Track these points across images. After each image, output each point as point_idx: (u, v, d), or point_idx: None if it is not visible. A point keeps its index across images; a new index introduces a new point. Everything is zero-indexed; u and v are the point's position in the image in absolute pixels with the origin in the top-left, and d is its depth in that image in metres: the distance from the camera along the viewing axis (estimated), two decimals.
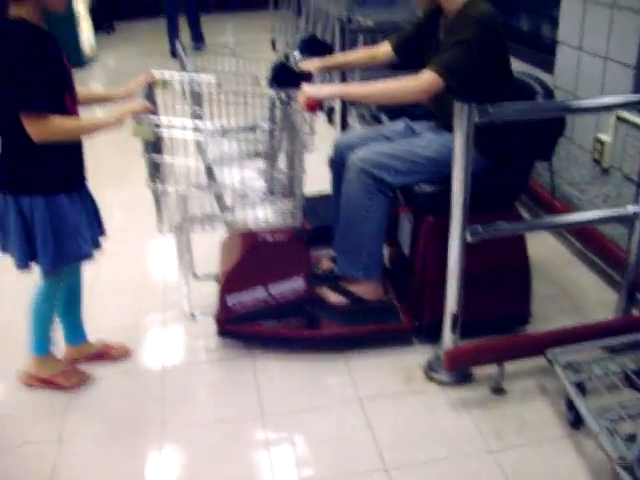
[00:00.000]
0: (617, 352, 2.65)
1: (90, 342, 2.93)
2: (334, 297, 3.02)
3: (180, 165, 2.70)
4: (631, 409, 2.29)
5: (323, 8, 6.01)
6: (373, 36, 5.77)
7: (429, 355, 2.81)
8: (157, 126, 2.49)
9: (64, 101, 2.39)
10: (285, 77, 2.82)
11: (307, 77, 2.86)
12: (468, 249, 2.52)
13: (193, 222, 2.89)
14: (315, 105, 2.63)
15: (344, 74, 4.07)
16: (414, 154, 2.81)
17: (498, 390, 2.65)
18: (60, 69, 2.37)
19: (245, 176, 2.87)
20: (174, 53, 8.20)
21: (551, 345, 2.57)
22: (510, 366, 2.67)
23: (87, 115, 2.53)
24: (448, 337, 2.62)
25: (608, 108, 2.59)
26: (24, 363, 2.79)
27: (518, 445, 2.42)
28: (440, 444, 2.44)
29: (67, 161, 2.48)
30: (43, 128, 2.29)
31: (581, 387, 2.44)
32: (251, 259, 2.85)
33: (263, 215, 2.81)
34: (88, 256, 2.58)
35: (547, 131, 2.81)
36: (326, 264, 3.25)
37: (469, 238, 2.44)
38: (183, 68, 3.31)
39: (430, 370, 2.75)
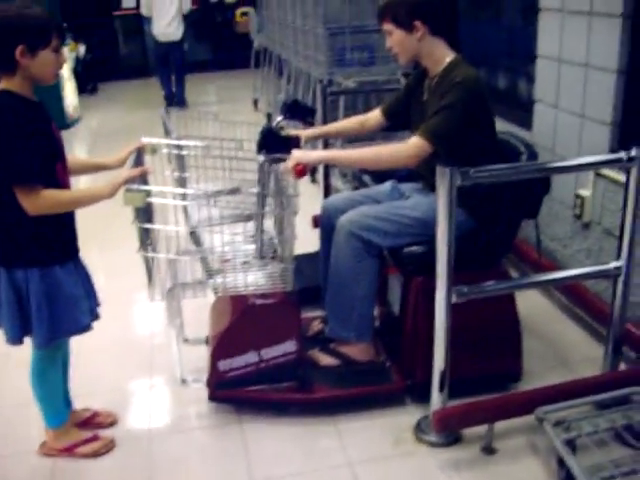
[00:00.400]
0: (606, 408, 2.65)
1: (76, 409, 2.88)
2: (325, 359, 3.01)
3: (169, 231, 2.73)
4: (623, 467, 2.29)
5: (304, 69, 6.11)
6: (354, 97, 5.90)
7: (418, 416, 2.80)
8: (147, 193, 2.50)
9: (55, 172, 2.40)
10: (273, 142, 2.86)
11: (295, 142, 2.91)
12: (458, 308, 2.53)
13: (184, 288, 2.90)
14: (303, 171, 2.66)
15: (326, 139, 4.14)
16: (402, 216, 2.84)
17: (488, 450, 2.64)
18: (51, 140, 2.39)
19: (233, 240, 2.90)
20: (169, 100, 9.45)
21: (540, 403, 2.56)
22: (500, 424, 2.66)
23: (80, 183, 2.54)
24: (436, 398, 2.62)
25: (587, 166, 2.63)
26: (43, 434, 2.75)
27: None
28: None
29: (61, 232, 2.47)
30: (37, 201, 2.29)
31: (571, 445, 2.44)
32: (242, 323, 2.84)
33: (253, 279, 2.81)
34: (86, 328, 2.54)
35: (533, 190, 2.85)
36: (316, 326, 3.24)
37: (455, 299, 2.46)
38: (167, 133, 3.35)
39: (420, 431, 2.74)
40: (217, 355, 2.84)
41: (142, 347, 3.55)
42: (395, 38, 2.83)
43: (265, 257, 2.88)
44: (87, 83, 10.92)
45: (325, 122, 3.93)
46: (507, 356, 2.98)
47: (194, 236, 3.39)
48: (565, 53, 3.49)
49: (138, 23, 12.23)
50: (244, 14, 11.06)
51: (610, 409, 2.62)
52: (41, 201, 2.29)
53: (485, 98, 2.77)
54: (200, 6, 12.79)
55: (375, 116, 3.21)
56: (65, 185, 2.46)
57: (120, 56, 12.77)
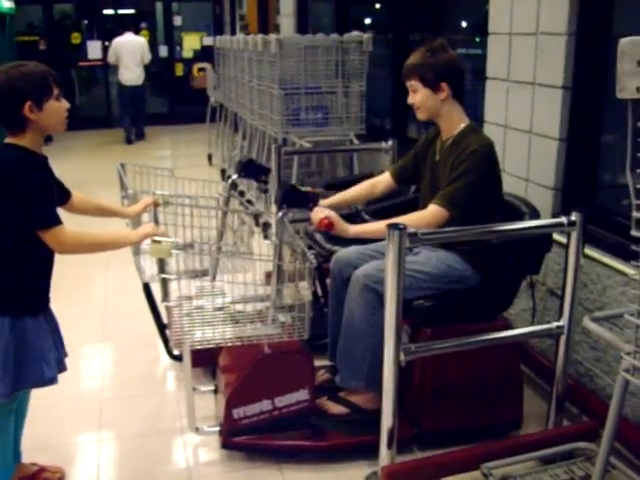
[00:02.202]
0: (549, 463, 2.72)
1: (23, 463, 2.81)
2: (335, 408, 3.07)
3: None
4: None
5: (259, 127, 6.21)
6: (308, 156, 6.02)
7: (367, 471, 2.82)
8: (174, 245, 2.63)
9: None
10: (294, 198, 3.02)
11: (314, 198, 3.03)
12: (459, 356, 2.73)
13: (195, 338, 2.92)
14: (330, 225, 2.84)
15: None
16: (414, 270, 2.90)
17: None
18: (54, 192, 2.45)
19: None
20: (130, 140, 11.23)
21: (486, 459, 2.62)
22: None
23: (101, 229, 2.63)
24: (385, 454, 2.65)
25: (530, 230, 2.74)
26: None
27: None
28: None
29: (37, 284, 2.49)
30: (66, 242, 2.36)
31: None
32: (258, 372, 2.89)
33: (268, 328, 2.91)
34: (51, 381, 2.52)
35: (536, 248, 2.98)
36: (321, 376, 3.29)
37: (402, 357, 2.52)
38: (123, 188, 3.40)
39: None
40: (232, 403, 2.88)
41: (92, 402, 3.51)
42: (419, 96, 2.99)
43: (278, 307, 2.99)
44: None
45: (279, 181, 4.01)
46: (509, 404, 3.07)
47: (146, 289, 3.43)
48: (510, 120, 3.65)
49: (96, 74, 12.39)
50: (201, 70, 11.22)
51: (554, 464, 2.69)
52: (70, 239, 2.37)
53: (497, 165, 2.94)
54: (159, 60, 13.08)
55: (385, 180, 3.35)
56: None
57: (76, 106, 12.77)
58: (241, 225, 3.26)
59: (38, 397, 2.74)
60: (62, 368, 2.60)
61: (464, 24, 5.65)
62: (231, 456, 2.98)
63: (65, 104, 2.48)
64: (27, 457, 2.85)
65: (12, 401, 2.55)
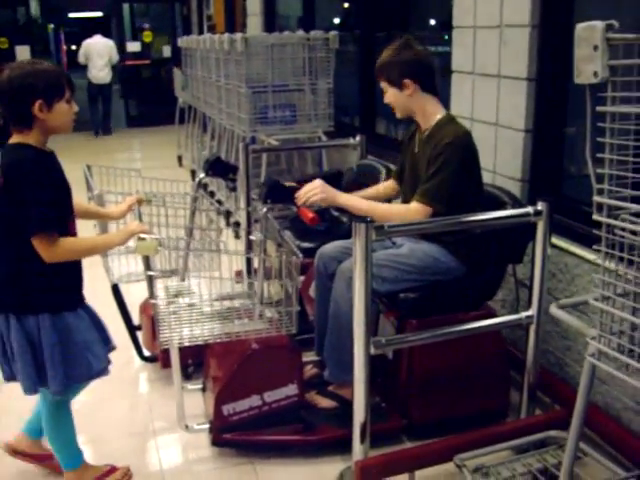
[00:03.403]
0: (523, 452, 2.73)
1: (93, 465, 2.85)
2: (323, 402, 3.09)
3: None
4: None
5: (227, 126, 6.19)
6: (277, 154, 6.00)
7: (341, 467, 2.82)
8: (159, 242, 2.64)
9: (68, 221, 2.47)
10: (278, 193, 3.03)
11: (297, 190, 3.04)
12: (444, 347, 2.78)
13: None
14: (315, 219, 2.86)
15: None
16: (399, 263, 2.94)
17: None
18: (65, 191, 2.46)
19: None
20: (97, 132, 12.18)
21: (459, 451, 2.62)
22: (421, 473, 2.70)
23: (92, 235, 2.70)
24: (358, 448, 2.64)
25: (497, 221, 2.74)
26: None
27: None
28: None
29: (70, 278, 2.51)
30: (55, 249, 2.34)
31: None
32: (246, 367, 2.89)
33: (255, 324, 2.91)
34: (101, 372, 2.57)
35: (519, 236, 2.98)
36: (309, 371, 3.30)
37: (373, 350, 2.52)
38: (89, 189, 3.37)
39: None
40: (221, 399, 2.88)
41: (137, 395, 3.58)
42: (389, 95, 3.03)
43: (264, 303, 3.02)
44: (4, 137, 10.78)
45: (248, 179, 4.00)
46: (496, 393, 3.10)
47: (115, 290, 3.40)
48: (476, 113, 3.66)
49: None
50: (168, 72, 11.20)
51: (527, 453, 2.70)
52: (59, 249, 2.34)
53: (476, 155, 2.95)
54: (126, 62, 13.14)
55: (389, 185, 3.38)
56: (73, 234, 2.53)
57: None
58: (209, 224, 3.24)
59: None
60: (109, 361, 2.63)
61: (432, 22, 5.67)
62: (222, 452, 3.00)
63: (74, 107, 2.48)
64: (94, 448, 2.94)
65: (69, 395, 2.62)
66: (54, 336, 2.41)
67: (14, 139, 2.39)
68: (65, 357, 2.43)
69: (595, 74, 1.47)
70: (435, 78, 3.04)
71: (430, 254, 2.97)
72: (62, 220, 2.42)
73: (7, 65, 2.36)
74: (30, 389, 2.45)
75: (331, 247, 3.24)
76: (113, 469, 2.82)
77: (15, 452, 2.82)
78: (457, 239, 2.94)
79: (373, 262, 2.92)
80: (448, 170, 2.83)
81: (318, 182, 2.95)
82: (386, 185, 3.41)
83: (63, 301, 2.46)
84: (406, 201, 3.05)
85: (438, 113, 3.01)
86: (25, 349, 2.39)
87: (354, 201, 2.96)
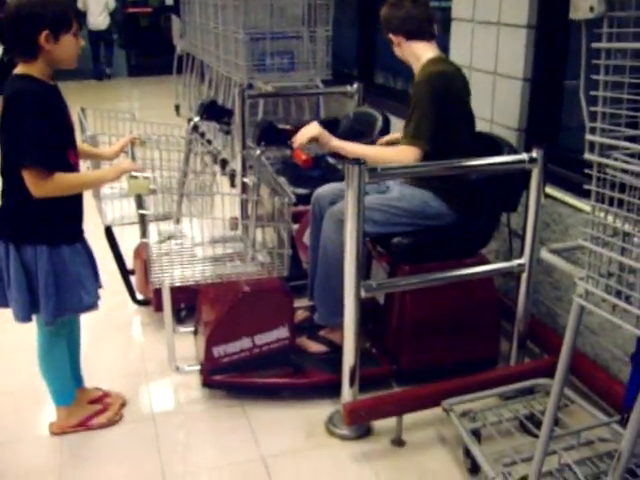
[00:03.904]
0: (510, 399, 2.76)
1: (87, 388, 2.93)
2: (314, 347, 3.12)
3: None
4: (524, 453, 2.37)
5: (225, 74, 6.13)
6: (274, 101, 5.95)
7: (330, 410, 2.85)
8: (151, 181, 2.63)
9: (67, 155, 2.46)
10: (272, 135, 3.03)
11: (292, 134, 3.02)
12: (436, 294, 2.83)
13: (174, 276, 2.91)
14: (308, 161, 2.90)
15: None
16: (390, 206, 2.96)
17: (398, 442, 2.71)
18: (64, 124, 2.45)
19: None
20: (100, 77, 12.68)
21: (448, 396, 2.65)
22: (409, 417, 2.73)
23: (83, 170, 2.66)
24: (347, 391, 2.67)
25: (491, 166, 2.73)
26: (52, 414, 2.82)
27: None
28: None
29: (70, 212, 2.53)
30: (44, 185, 2.34)
31: (477, 434, 2.53)
32: (237, 310, 2.91)
33: (247, 266, 2.91)
34: (91, 307, 2.61)
35: (513, 184, 2.96)
36: (300, 315, 3.32)
37: (363, 294, 2.52)
38: (83, 131, 3.34)
39: (331, 425, 2.78)
40: (212, 341, 2.89)
41: (128, 338, 3.62)
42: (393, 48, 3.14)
43: (256, 246, 3.00)
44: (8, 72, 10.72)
45: (244, 125, 3.96)
46: (486, 340, 3.11)
47: (108, 233, 3.40)
48: (475, 61, 3.62)
49: None
50: (167, 20, 11.04)
51: (513, 400, 2.73)
52: (48, 184, 2.35)
53: (453, 93, 2.92)
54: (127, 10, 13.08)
55: None
56: (76, 168, 2.54)
57: None
58: (204, 167, 3.22)
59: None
60: (98, 297, 2.66)
61: None
62: (212, 394, 3.03)
63: (81, 41, 2.46)
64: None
65: (60, 328, 2.63)
66: (50, 267, 2.44)
67: (18, 69, 2.38)
68: (58, 288, 2.47)
69: (591, 9, 1.44)
70: (425, 23, 3.03)
71: (420, 198, 2.98)
72: (60, 152, 2.42)
73: None
74: (22, 316, 2.50)
75: (326, 189, 3.24)
76: (105, 407, 2.87)
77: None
78: (449, 186, 2.95)
79: (365, 205, 2.95)
80: (419, 109, 2.86)
81: (314, 123, 2.96)
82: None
83: (61, 234, 2.49)
84: None
85: (426, 56, 3.02)
86: (21, 277, 2.43)
87: (347, 144, 2.95)
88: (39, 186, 2.34)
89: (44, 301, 2.47)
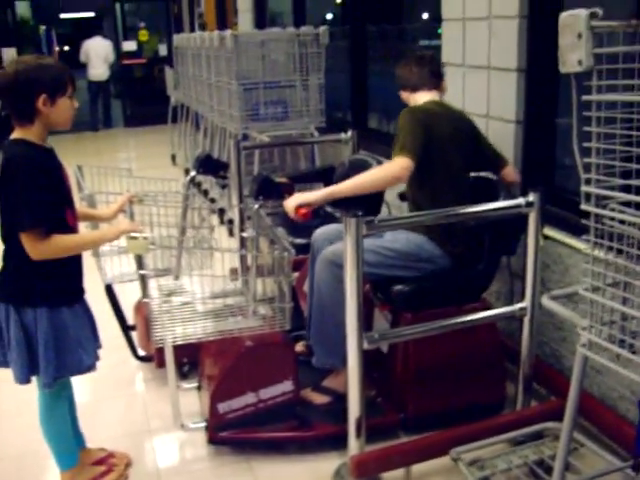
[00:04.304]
0: (519, 444, 2.73)
1: (90, 448, 2.90)
2: (319, 398, 3.09)
3: None
4: None
5: (220, 124, 6.18)
6: (270, 151, 5.98)
7: (337, 463, 2.81)
8: (150, 241, 2.64)
9: (65, 217, 2.47)
10: (269, 189, 3.06)
11: (289, 187, 3.03)
12: (439, 340, 2.80)
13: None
14: (307, 214, 2.86)
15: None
16: (383, 247, 2.97)
17: None
18: (61, 186, 2.46)
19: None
20: (97, 128, 12.89)
21: (455, 444, 2.61)
22: (418, 467, 2.70)
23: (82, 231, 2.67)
24: (353, 443, 2.64)
25: (488, 213, 2.73)
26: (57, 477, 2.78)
27: None
28: None
29: (70, 271, 2.53)
30: (42, 248, 2.36)
31: None
32: (241, 365, 2.90)
33: (248, 321, 2.91)
34: (90, 368, 2.59)
35: (512, 228, 2.97)
36: (299, 347, 3.31)
37: (366, 345, 2.51)
38: (80, 190, 3.35)
39: (339, 478, 2.75)
40: (216, 397, 2.88)
41: (132, 396, 3.59)
42: None
43: (257, 300, 3.01)
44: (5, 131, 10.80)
45: (240, 176, 3.98)
46: (492, 385, 3.10)
47: (109, 291, 3.39)
48: (467, 104, 3.64)
49: None
50: (161, 71, 11.18)
51: (523, 445, 2.70)
52: (46, 246, 2.36)
53: (432, 128, 2.94)
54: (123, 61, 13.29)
55: None
56: (75, 229, 2.55)
57: None
58: (201, 222, 3.23)
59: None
60: (97, 358, 2.65)
61: (425, 15, 5.64)
62: (218, 451, 3.00)
63: (75, 103, 2.49)
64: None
65: (60, 389, 2.63)
66: (50, 329, 2.44)
67: (15, 134, 2.41)
68: (58, 350, 2.46)
69: (580, 62, 1.46)
70: (427, 78, 3.16)
71: (413, 241, 3.00)
72: (58, 214, 2.43)
73: (13, 60, 2.40)
74: (21, 378, 2.49)
75: (325, 230, 3.27)
76: (110, 469, 2.83)
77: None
78: (442, 230, 2.97)
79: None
80: (404, 131, 2.91)
81: (293, 196, 2.95)
82: None
83: (61, 297, 2.49)
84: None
85: (422, 100, 3.14)
86: (21, 340, 2.43)
87: (335, 187, 2.94)
88: (37, 249, 2.35)
89: (44, 363, 2.46)
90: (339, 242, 3.00)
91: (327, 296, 2.96)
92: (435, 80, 3.19)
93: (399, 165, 2.84)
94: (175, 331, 2.80)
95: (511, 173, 3.20)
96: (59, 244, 2.40)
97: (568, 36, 1.47)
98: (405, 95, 3.24)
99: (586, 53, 1.44)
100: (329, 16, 7.73)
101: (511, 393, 3.05)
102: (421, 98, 3.16)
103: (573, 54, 1.47)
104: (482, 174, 3.10)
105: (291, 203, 2.89)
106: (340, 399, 2.95)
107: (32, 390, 2.62)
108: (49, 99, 2.35)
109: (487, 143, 3.22)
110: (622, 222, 1.52)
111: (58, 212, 2.44)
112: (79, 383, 2.94)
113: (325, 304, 2.98)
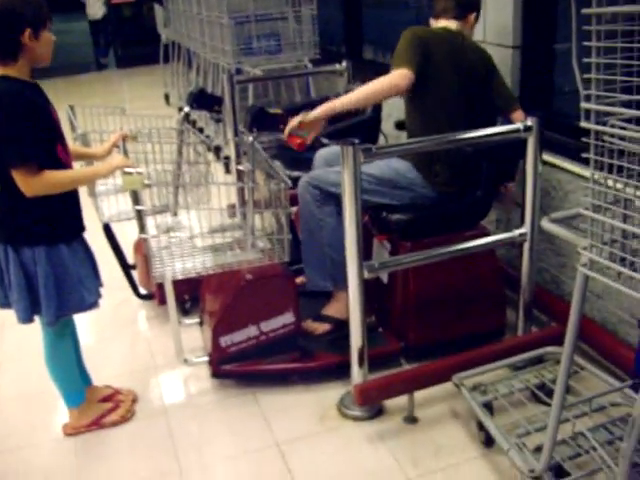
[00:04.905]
0: (520, 369, 2.76)
1: (97, 386, 2.94)
2: (320, 327, 3.11)
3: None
4: (537, 423, 2.38)
5: (212, 60, 6.08)
6: (264, 84, 5.90)
7: (342, 392, 2.85)
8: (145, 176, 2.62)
9: (56, 152, 2.44)
10: (263, 120, 3.04)
11: (283, 119, 3.00)
12: (439, 269, 2.83)
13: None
14: (303, 144, 2.90)
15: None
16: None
17: (411, 419, 2.71)
18: (49, 121, 2.42)
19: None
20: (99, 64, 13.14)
21: (457, 370, 2.64)
22: (420, 394, 2.73)
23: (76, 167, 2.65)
24: (356, 372, 2.67)
25: (486, 137, 2.69)
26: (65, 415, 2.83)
27: (436, 470, 2.48)
28: (361, 478, 2.47)
29: (66, 210, 2.52)
30: (34, 184, 2.34)
31: (489, 407, 2.53)
32: (241, 298, 2.90)
33: (247, 255, 2.90)
34: (93, 305, 2.61)
35: (511, 154, 2.95)
36: (300, 280, 3.30)
37: (366, 275, 2.51)
38: (73, 130, 3.32)
39: (343, 407, 2.79)
40: (218, 331, 2.89)
41: (135, 332, 3.62)
42: None
43: (255, 233, 2.98)
44: None
45: (234, 111, 3.93)
46: (492, 312, 3.12)
47: (107, 230, 3.38)
48: None
49: None
50: (150, 9, 10.95)
51: (523, 370, 2.73)
52: (38, 182, 2.34)
53: (431, 48, 2.90)
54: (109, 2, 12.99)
55: None
56: (67, 164, 2.52)
57: None
58: (197, 157, 3.20)
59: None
60: (99, 295, 2.66)
61: None
62: (223, 384, 3.04)
63: (53, 36, 2.44)
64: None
65: (63, 327, 2.64)
66: (49, 268, 2.44)
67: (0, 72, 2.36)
68: (59, 288, 2.47)
69: None
70: (449, 5, 3.05)
71: (393, 167, 2.98)
72: (48, 149, 2.40)
73: None
74: (24, 318, 2.51)
75: (327, 151, 3.27)
76: (117, 405, 2.88)
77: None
78: (429, 159, 2.96)
79: (333, 170, 2.96)
80: (402, 47, 2.89)
81: (295, 118, 2.94)
82: None
83: (59, 234, 2.48)
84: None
85: (436, 25, 3.11)
86: (21, 279, 2.44)
87: (332, 103, 2.91)
88: (29, 185, 2.34)
89: (45, 302, 2.47)
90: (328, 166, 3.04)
91: (310, 218, 2.99)
92: (460, 11, 3.04)
93: (398, 74, 2.82)
94: (174, 266, 2.80)
95: (520, 116, 3.02)
96: (51, 179, 2.37)
97: None
98: (432, 22, 3.15)
99: None
100: None
101: (512, 320, 3.07)
102: (436, 24, 3.09)
103: None
104: None
105: (294, 122, 2.88)
106: (341, 326, 2.98)
107: (36, 332, 2.65)
108: (33, 33, 2.31)
109: (500, 83, 3.06)
110: (622, 138, 1.49)
111: (48, 147, 2.41)
112: (82, 323, 2.97)
113: (310, 227, 3.01)
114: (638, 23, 1.42)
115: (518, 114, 2.99)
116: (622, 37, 1.45)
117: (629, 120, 1.49)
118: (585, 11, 1.45)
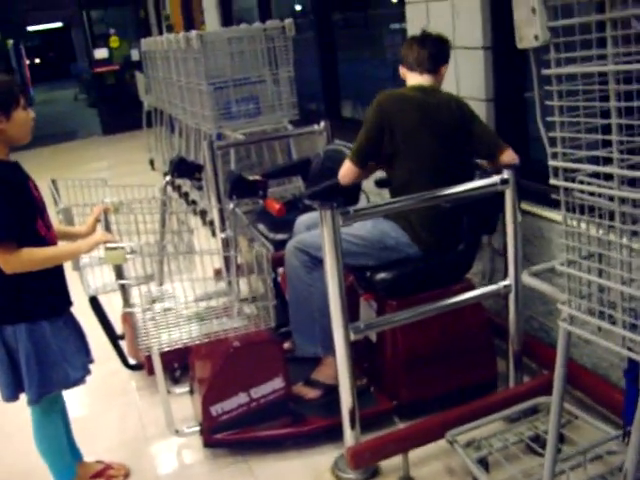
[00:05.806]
0: (514, 421, 2.73)
1: (88, 462, 2.88)
2: (311, 392, 3.08)
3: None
4: (533, 476, 2.36)
5: (194, 125, 6.15)
6: (247, 148, 5.96)
7: (335, 455, 2.81)
8: (127, 251, 2.61)
9: (36, 228, 2.43)
10: (243, 187, 3.06)
11: (262, 185, 3.02)
12: (426, 324, 2.80)
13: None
14: (282, 209, 2.97)
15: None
16: (347, 234, 2.90)
17: (406, 479, 2.67)
18: (28, 198, 2.43)
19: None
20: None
21: (450, 426, 2.62)
22: (415, 452, 2.70)
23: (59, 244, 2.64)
24: (349, 435, 2.64)
25: (465, 193, 2.72)
26: None
27: None
28: None
29: (48, 287, 2.49)
30: (12, 261, 2.33)
31: (484, 462, 2.51)
32: (229, 366, 2.88)
33: (233, 322, 2.90)
34: (78, 382, 2.58)
35: (491, 207, 2.94)
36: (288, 344, 3.29)
37: (352, 337, 2.51)
38: (56, 204, 3.33)
39: (338, 470, 2.75)
40: (208, 400, 2.87)
41: (125, 406, 3.55)
42: None
43: (240, 300, 3.00)
44: None
45: (216, 177, 3.95)
46: (483, 365, 3.10)
47: (93, 302, 3.37)
48: None
49: None
50: (132, 76, 11.11)
51: (518, 422, 2.70)
52: (15, 260, 2.33)
53: (395, 119, 2.92)
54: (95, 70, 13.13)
55: None
56: (49, 239, 2.51)
57: None
58: (180, 225, 3.21)
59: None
60: (87, 371, 2.63)
61: None
62: (216, 453, 3.00)
63: (31, 114, 2.46)
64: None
65: (50, 404, 2.60)
66: (30, 345, 2.42)
67: None
68: (41, 365, 2.44)
69: (536, 37, 1.45)
70: (423, 60, 3.06)
71: (379, 228, 2.99)
72: (28, 226, 2.40)
73: None
74: (7, 395, 2.49)
75: (307, 217, 3.28)
76: (108, 473, 2.86)
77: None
78: (414, 217, 2.97)
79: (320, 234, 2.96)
80: (362, 129, 2.99)
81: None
82: None
83: (40, 311, 2.46)
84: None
85: (409, 83, 3.13)
86: (3, 356, 2.43)
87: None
88: (7, 262, 2.33)
89: (27, 379, 2.45)
90: (302, 234, 3.05)
91: (298, 285, 2.98)
92: (433, 64, 3.08)
93: (346, 168, 3.00)
94: (161, 338, 2.79)
95: (509, 156, 2.98)
96: (31, 257, 2.38)
97: (522, 11, 1.46)
98: (402, 71, 3.18)
99: (541, 27, 1.43)
100: (298, 7, 7.67)
101: (503, 370, 3.05)
102: (411, 80, 3.12)
103: (529, 29, 1.46)
104: None
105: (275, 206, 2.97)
106: (331, 391, 2.95)
107: (25, 408, 2.60)
108: (4, 115, 2.33)
109: (483, 131, 3.04)
110: (592, 194, 1.51)
111: (28, 224, 2.41)
112: (72, 395, 2.93)
113: (298, 293, 2.99)
114: (597, 80, 1.45)
115: (507, 154, 2.96)
116: (583, 94, 1.48)
117: (597, 175, 1.51)
118: (545, 72, 1.49)
